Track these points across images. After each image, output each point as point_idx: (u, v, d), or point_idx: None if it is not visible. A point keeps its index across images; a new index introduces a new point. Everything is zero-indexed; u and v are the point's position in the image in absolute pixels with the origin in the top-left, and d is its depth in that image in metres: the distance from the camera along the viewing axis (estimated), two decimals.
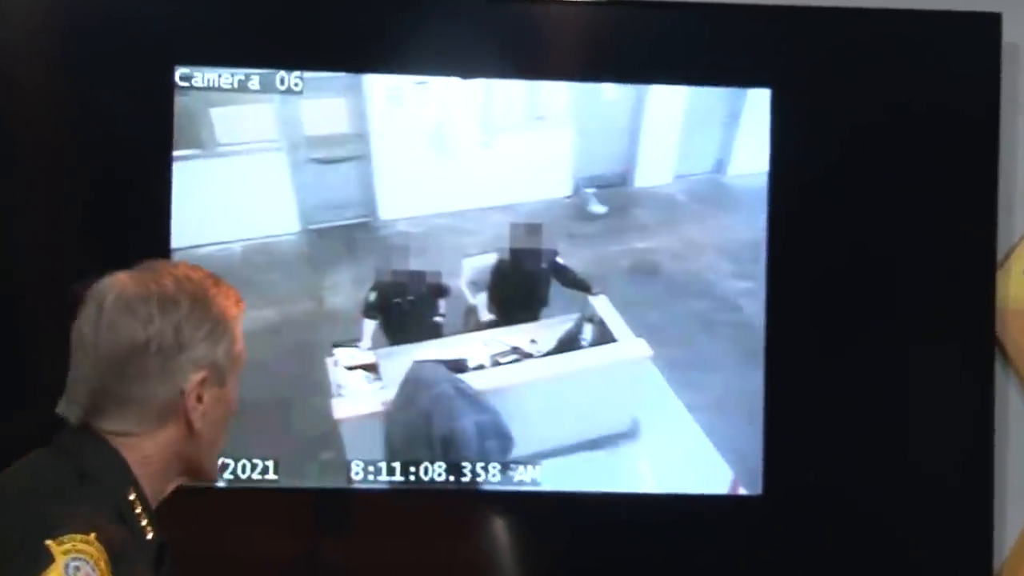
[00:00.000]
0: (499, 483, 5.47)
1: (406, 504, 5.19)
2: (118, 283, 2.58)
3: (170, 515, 2.52)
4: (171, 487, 2.77)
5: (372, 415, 6.07)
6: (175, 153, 4.83)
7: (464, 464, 5.36)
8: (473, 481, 5.41)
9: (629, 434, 6.69)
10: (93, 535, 2.21)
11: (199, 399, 2.61)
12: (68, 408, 2.59)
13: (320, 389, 6.30)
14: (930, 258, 5.22)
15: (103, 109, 4.84)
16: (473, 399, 6.09)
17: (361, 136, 9.29)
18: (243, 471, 4.97)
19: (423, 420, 5.90)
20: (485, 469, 5.43)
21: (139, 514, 2.52)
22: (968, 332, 5.22)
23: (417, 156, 9.48)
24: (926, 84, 5.24)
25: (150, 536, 2.53)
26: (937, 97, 5.24)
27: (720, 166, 10.78)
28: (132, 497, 2.51)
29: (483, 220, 9.24)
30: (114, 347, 2.49)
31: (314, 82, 5.11)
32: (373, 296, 6.63)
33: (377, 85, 6.69)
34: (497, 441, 5.90)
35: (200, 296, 2.66)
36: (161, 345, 2.53)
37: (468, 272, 7.55)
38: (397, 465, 5.33)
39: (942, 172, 5.22)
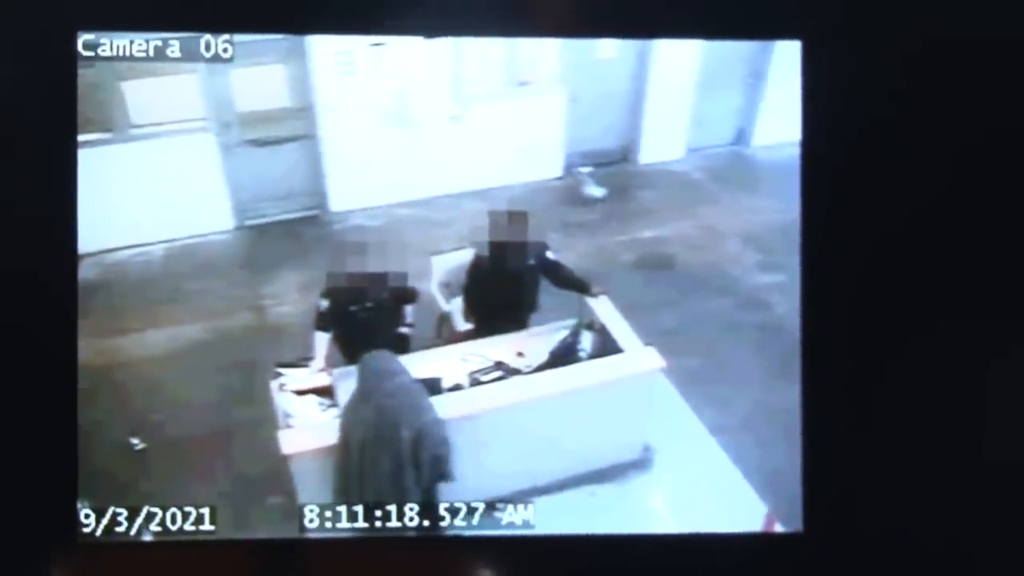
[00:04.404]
0: (483, 526, 5.46)
1: (371, 555, 5.14)
2: None
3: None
4: None
5: (329, 449, 5.99)
6: (80, 137, 4.76)
7: (441, 505, 5.34)
8: (452, 525, 5.39)
9: (640, 463, 6.74)
10: None
11: None
12: None
13: (264, 419, 6.30)
14: (1005, 240, 5.18)
15: None
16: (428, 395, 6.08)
17: (306, 111, 9.38)
18: (173, 521, 4.93)
19: (388, 415, 5.86)
20: (469, 511, 5.40)
21: None
22: None
23: (374, 134, 9.55)
24: (987, 27, 5.20)
25: None
26: (1003, 41, 5.20)
27: (742, 136, 10.95)
28: None
29: (456, 208, 9.32)
30: None
31: (247, 47, 5.07)
32: (325, 304, 6.59)
33: (324, 49, 6.71)
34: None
35: None
36: None
37: (439, 272, 7.57)
38: (360, 509, 5.32)
39: (1012, 135, 5.18)
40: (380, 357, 6.00)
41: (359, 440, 5.77)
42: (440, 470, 5.78)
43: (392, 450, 5.72)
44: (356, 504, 5.17)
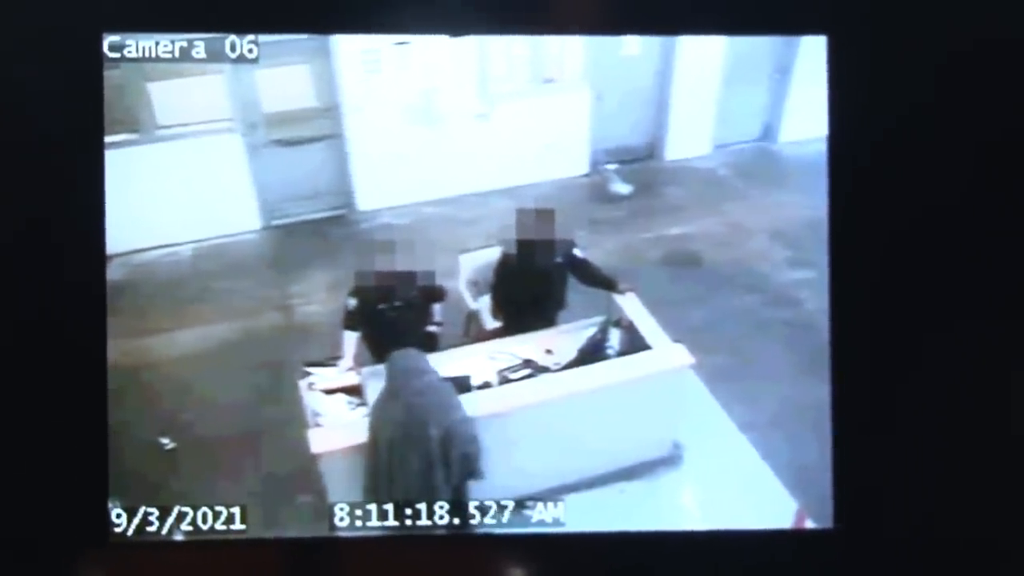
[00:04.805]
0: (513, 524, 5.43)
1: (401, 554, 5.12)
2: None
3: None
4: None
5: (358, 448, 5.96)
6: (107, 139, 4.74)
7: (471, 503, 5.30)
8: (482, 523, 5.36)
9: (669, 460, 6.71)
10: None
11: None
12: None
13: (293, 418, 6.29)
14: None
15: (16, 88, 4.77)
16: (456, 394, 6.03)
17: (331, 110, 9.36)
18: (204, 520, 4.92)
19: (417, 413, 5.85)
20: (499, 509, 5.36)
21: None
22: None
23: (400, 132, 9.54)
24: (1013, 25, 5.15)
25: None
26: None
27: (769, 132, 10.88)
28: None
29: (483, 207, 9.28)
30: None
31: (272, 47, 5.04)
32: (353, 303, 6.58)
33: (349, 48, 6.67)
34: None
35: None
36: None
37: (467, 270, 7.55)
38: (390, 508, 5.29)
39: None
40: (408, 356, 5.98)
41: (388, 439, 5.75)
42: (469, 468, 5.76)
43: (421, 448, 5.70)
44: (385, 503, 5.16)
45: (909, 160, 4.83)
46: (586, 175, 10.35)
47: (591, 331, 6.87)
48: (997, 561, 4.86)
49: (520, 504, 5.12)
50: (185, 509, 4.87)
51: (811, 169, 5.01)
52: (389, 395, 5.88)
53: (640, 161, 10.68)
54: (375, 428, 5.84)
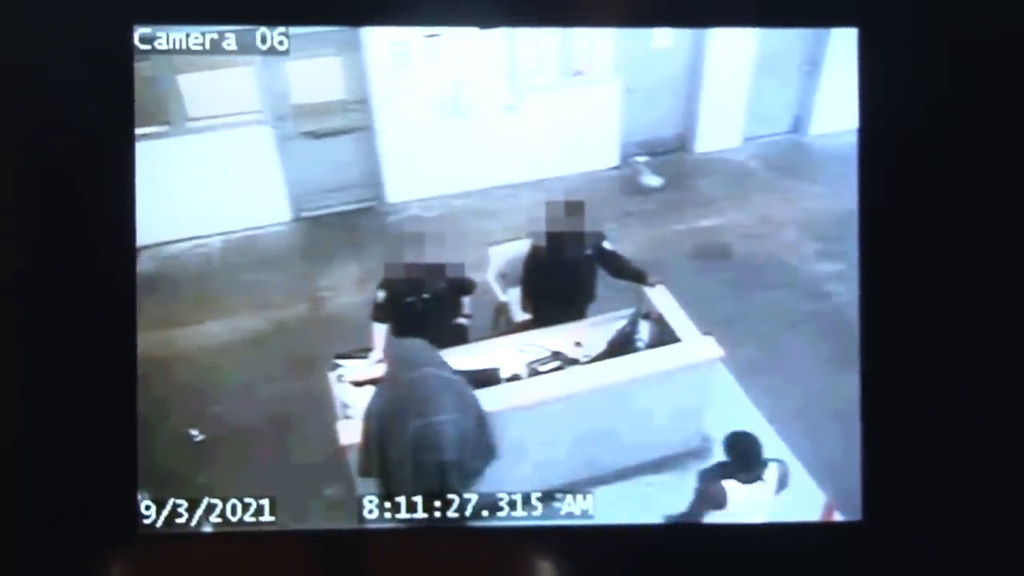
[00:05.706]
0: (542, 517, 5.43)
1: (430, 546, 5.11)
2: None
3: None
4: None
5: None
6: (137, 131, 4.74)
7: (499, 496, 5.30)
8: (511, 516, 5.35)
9: (699, 452, 6.70)
10: None
11: None
12: None
13: (322, 410, 6.31)
14: None
15: (47, 81, 4.76)
16: (460, 395, 5.94)
17: (362, 103, 9.34)
18: (233, 512, 4.93)
19: (399, 407, 5.85)
20: (528, 501, 5.35)
21: None
22: None
23: (430, 125, 9.52)
24: None
25: None
26: None
27: (799, 124, 10.82)
28: None
29: (512, 199, 9.26)
30: None
31: (302, 39, 5.03)
32: (382, 295, 6.59)
33: (379, 40, 6.65)
34: (476, 452, 5.90)
35: None
36: None
37: (496, 263, 7.55)
38: (419, 500, 5.28)
39: None
40: (410, 345, 6.00)
41: (370, 426, 5.79)
42: (444, 479, 5.72)
43: (397, 442, 5.70)
44: (376, 479, 5.19)
45: (940, 153, 4.80)
46: (616, 167, 10.32)
47: (621, 323, 6.86)
48: None
49: (549, 496, 5.12)
50: (214, 501, 4.88)
51: (841, 162, 4.98)
52: (385, 382, 5.91)
53: (670, 153, 10.66)
54: (365, 413, 5.86)
